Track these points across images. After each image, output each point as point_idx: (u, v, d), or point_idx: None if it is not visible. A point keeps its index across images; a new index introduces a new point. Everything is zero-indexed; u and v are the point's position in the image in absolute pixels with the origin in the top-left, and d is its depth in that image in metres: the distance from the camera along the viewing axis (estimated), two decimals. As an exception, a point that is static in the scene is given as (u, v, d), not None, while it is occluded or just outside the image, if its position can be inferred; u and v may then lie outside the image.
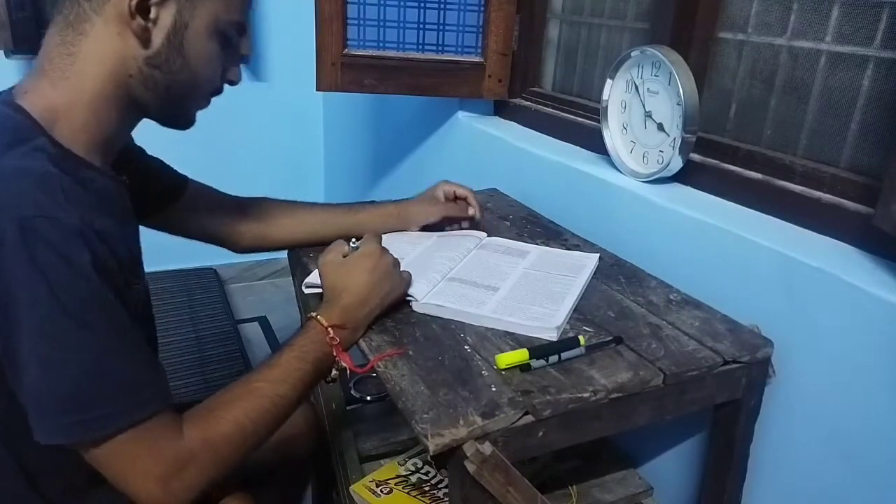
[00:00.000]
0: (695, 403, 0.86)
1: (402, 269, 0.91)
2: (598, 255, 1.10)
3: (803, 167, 0.99)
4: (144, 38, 0.73)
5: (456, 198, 1.19)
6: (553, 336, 0.85)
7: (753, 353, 0.86)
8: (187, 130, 0.84)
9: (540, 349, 0.81)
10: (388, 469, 1.18)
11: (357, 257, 0.88)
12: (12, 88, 0.75)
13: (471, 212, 1.18)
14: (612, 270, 1.07)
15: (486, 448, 0.68)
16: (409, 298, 0.92)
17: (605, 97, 1.23)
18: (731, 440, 0.92)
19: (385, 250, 0.89)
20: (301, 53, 2.18)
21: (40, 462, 0.76)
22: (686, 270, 1.03)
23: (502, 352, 0.81)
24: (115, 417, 0.66)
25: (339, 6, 1.46)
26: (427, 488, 1.13)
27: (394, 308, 0.90)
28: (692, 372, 0.82)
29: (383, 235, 1.13)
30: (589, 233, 1.21)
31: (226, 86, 0.83)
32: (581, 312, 0.93)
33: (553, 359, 0.80)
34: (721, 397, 0.87)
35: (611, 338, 0.85)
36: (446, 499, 1.10)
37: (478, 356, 0.82)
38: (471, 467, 0.68)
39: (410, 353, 0.82)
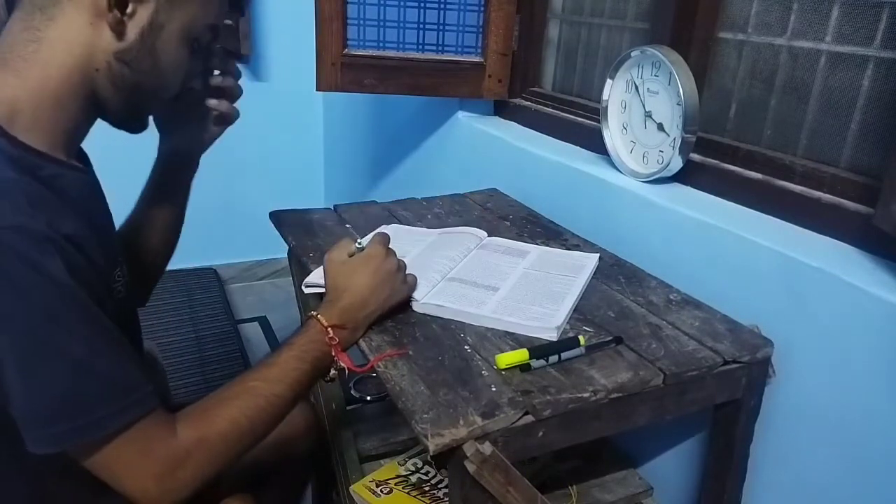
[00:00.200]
0: (695, 403, 0.86)
1: (407, 273, 0.91)
2: (598, 255, 1.10)
3: (803, 167, 0.99)
4: (118, 32, 0.71)
5: None
6: (553, 336, 0.85)
7: (753, 353, 0.86)
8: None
9: (540, 349, 0.81)
10: (388, 469, 1.18)
11: (361, 259, 0.87)
12: None
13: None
14: (612, 270, 1.07)
15: (486, 448, 0.68)
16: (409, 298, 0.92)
17: (605, 97, 1.23)
18: (731, 440, 0.92)
19: (390, 252, 0.89)
20: (301, 53, 2.18)
21: (44, 471, 0.75)
22: (686, 270, 1.03)
23: (502, 352, 0.81)
24: (104, 422, 0.65)
25: (339, 6, 1.46)
26: (427, 488, 1.13)
27: (396, 311, 0.90)
28: (692, 372, 0.82)
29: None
30: (589, 233, 1.21)
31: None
32: (581, 312, 0.93)
33: (553, 359, 0.80)
34: (721, 397, 0.87)
35: (611, 338, 0.85)
36: (446, 499, 1.10)
37: (478, 356, 0.82)
38: (471, 467, 0.68)
39: (410, 353, 0.82)
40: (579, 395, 0.75)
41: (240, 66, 0.94)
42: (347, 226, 1.22)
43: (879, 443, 0.80)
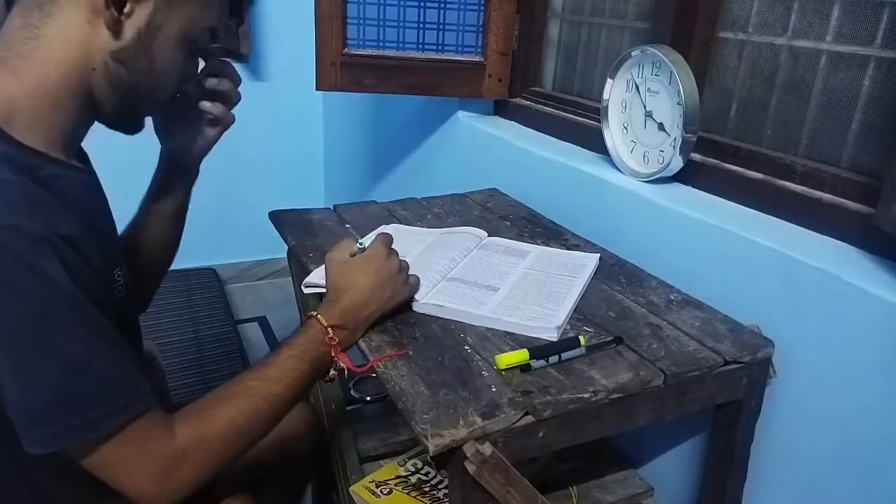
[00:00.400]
0: (695, 404, 0.85)
1: (410, 274, 0.90)
2: (598, 255, 1.09)
3: (804, 167, 0.99)
4: (115, 31, 0.71)
5: None
6: (553, 336, 0.85)
7: (754, 353, 0.86)
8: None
9: (540, 349, 0.81)
10: (388, 469, 1.17)
11: (362, 259, 0.87)
12: None
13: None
14: (613, 270, 1.07)
15: (486, 448, 0.68)
16: (409, 298, 0.92)
17: (605, 97, 1.23)
18: (732, 440, 0.92)
19: (392, 253, 0.88)
20: (301, 53, 2.18)
21: (43, 471, 0.75)
22: (687, 270, 1.03)
23: (502, 352, 0.81)
24: (100, 421, 0.65)
25: (339, 5, 1.46)
26: (427, 489, 1.13)
27: (396, 312, 0.90)
28: (693, 372, 0.82)
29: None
30: (589, 233, 1.21)
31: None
32: (581, 312, 0.93)
33: (553, 359, 0.80)
34: (722, 398, 0.87)
35: (611, 338, 0.85)
36: (446, 499, 1.10)
37: (478, 356, 0.82)
38: (471, 468, 0.68)
39: (410, 353, 0.82)
40: (580, 396, 0.75)
41: (240, 66, 0.93)
42: (347, 226, 1.22)
43: (879, 443, 0.80)
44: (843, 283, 0.82)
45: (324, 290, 0.91)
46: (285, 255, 1.17)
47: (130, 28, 0.72)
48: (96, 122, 0.79)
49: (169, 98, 0.81)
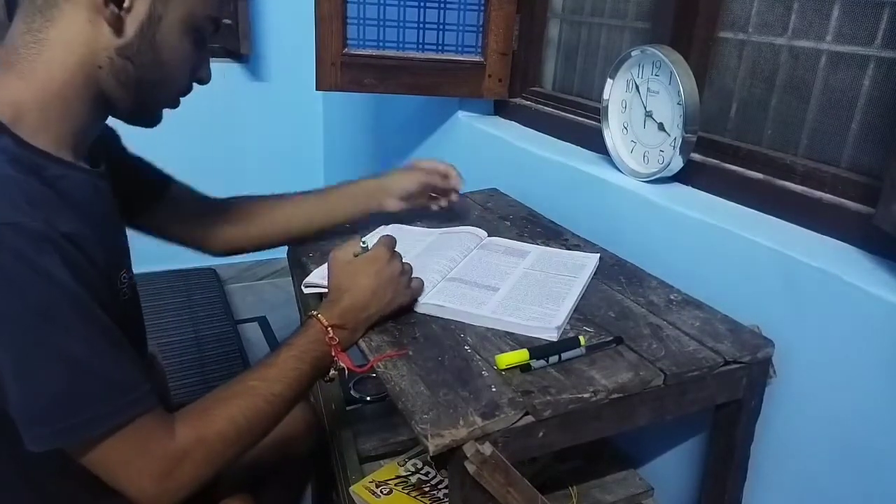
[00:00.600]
0: (695, 404, 0.85)
1: (413, 277, 0.90)
2: (598, 255, 1.09)
3: (804, 167, 0.99)
4: (117, 28, 0.71)
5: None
6: (553, 336, 0.85)
7: (754, 353, 0.86)
8: (154, 128, 0.82)
9: (540, 349, 0.81)
10: (388, 469, 1.17)
11: (364, 260, 0.87)
12: None
13: (452, 182, 1.15)
14: (613, 270, 1.07)
15: (486, 448, 0.68)
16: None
17: (605, 97, 1.23)
18: (732, 440, 0.92)
19: (395, 255, 0.88)
20: (301, 53, 2.19)
21: (44, 470, 0.75)
22: (687, 270, 1.03)
23: (502, 352, 0.80)
24: (101, 420, 0.65)
25: (339, 5, 1.46)
26: (427, 489, 1.13)
27: (398, 314, 0.89)
28: (693, 372, 0.82)
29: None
30: (589, 233, 1.21)
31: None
32: (581, 312, 0.93)
33: (553, 359, 0.80)
34: (722, 398, 0.87)
35: (611, 338, 0.85)
36: (446, 499, 1.10)
37: (478, 356, 0.82)
38: (471, 468, 0.68)
39: (410, 353, 0.82)
40: (580, 396, 0.75)
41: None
42: (347, 225, 1.22)
43: (879, 443, 0.80)
44: (843, 283, 0.82)
45: (324, 291, 0.91)
46: (285, 255, 1.17)
47: (132, 23, 0.72)
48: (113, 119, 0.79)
49: (184, 90, 0.81)
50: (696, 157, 1.13)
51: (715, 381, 0.84)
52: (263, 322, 2.55)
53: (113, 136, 0.92)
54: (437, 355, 0.81)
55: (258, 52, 2.58)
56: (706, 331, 0.89)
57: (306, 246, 1.12)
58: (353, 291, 0.84)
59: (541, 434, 0.74)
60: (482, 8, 1.53)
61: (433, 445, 0.67)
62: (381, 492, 1.12)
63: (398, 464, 1.19)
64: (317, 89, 1.54)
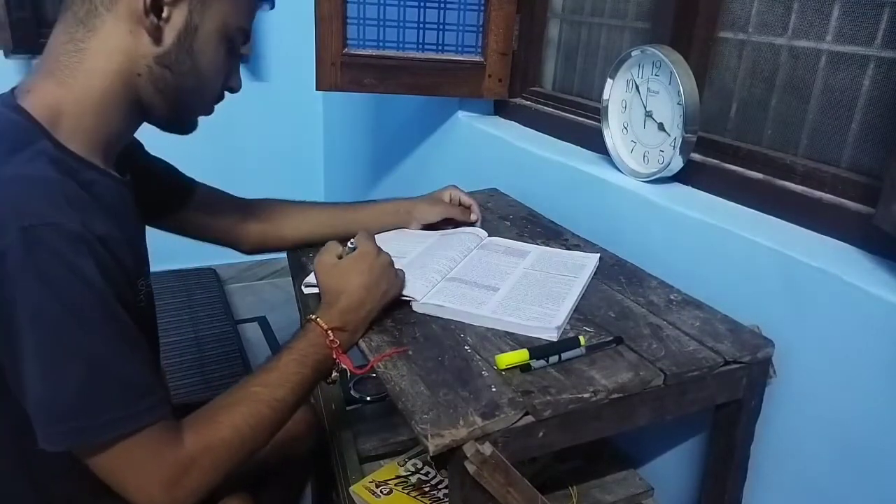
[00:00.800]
0: (695, 404, 0.85)
1: (396, 268, 0.91)
2: (598, 255, 1.09)
3: (804, 167, 0.99)
4: (156, 37, 0.74)
5: (460, 205, 1.20)
6: (553, 336, 0.85)
7: (754, 353, 0.86)
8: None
9: (540, 349, 0.81)
10: (388, 469, 1.17)
11: (353, 259, 0.87)
12: (14, 88, 0.75)
13: (473, 217, 1.19)
14: (613, 270, 1.07)
15: (486, 448, 0.68)
16: (408, 298, 0.92)
17: (605, 97, 1.23)
18: (732, 440, 0.92)
19: (380, 250, 0.89)
20: (301, 53, 2.18)
21: (46, 469, 0.76)
22: (687, 270, 1.03)
23: (502, 352, 0.80)
24: (118, 423, 0.66)
25: (339, 5, 1.46)
26: (427, 489, 1.13)
27: (391, 307, 0.90)
28: (693, 372, 0.82)
29: (386, 234, 1.13)
30: (589, 233, 1.21)
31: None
32: (581, 312, 0.93)
33: (553, 359, 0.80)
34: (722, 398, 0.87)
35: (611, 338, 0.85)
36: (446, 499, 1.10)
37: (478, 356, 0.82)
38: (471, 468, 0.68)
39: (410, 353, 0.82)
40: (580, 396, 0.75)
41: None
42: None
43: (879, 443, 0.80)
44: (843, 283, 0.82)
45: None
46: (285, 255, 1.17)
47: (170, 32, 0.74)
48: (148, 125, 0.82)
49: (217, 97, 0.83)
50: (696, 157, 1.13)
51: (715, 381, 0.84)
52: (263, 322, 2.55)
53: (137, 144, 0.95)
54: (437, 355, 0.81)
55: (258, 52, 2.58)
56: (706, 331, 0.89)
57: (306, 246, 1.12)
58: (348, 291, 0.85)
59: (541, 434, 0.74)
60: (482, 8, 1.53)
61: (433, 445, 0.67)
62: (381, 492, 1.12)
63: (398, 464, 1.19)
64: (317, 89, 1.54)
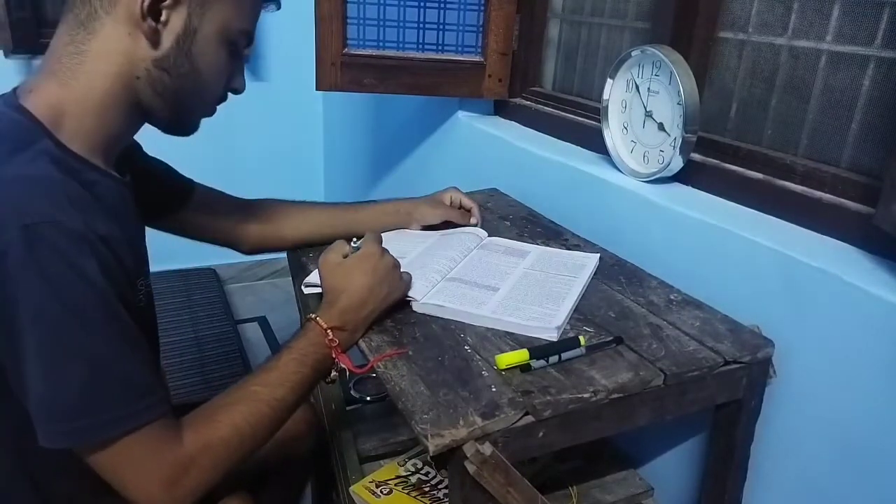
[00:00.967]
0: (695, 404, 0.85)
1: (402, 271, 0.91)
2: (598, 255, 1.09)
3: (804, 167, 0.99)
4: (154, 40, 0.74)
5: (461, 207, 1.20)
6: (553, 336, 0.85)
7: (754, 353, 0.86)
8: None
9: (540, 349, 0.81)
10: (388, 469, 1.17)
11: (357, 258, 0.87)
12: (16, 88, 0.75)
13: (473, 220, 1.19)
14: (613, 270, 1.07)
15: (486, 448, 0.68)
16: (408, 298, 0.92)
17: (605, 97, 1.23)
18: (732, 440, 0.92)
19: (385, 251, 0.89)
20: (301, 53, 2.18)
21: (46, 468, 0.76)
22: (687, 270, 1.03)
23: (502, 352, 0.80)
24: (119, 422, 0.66)
25: (339, 5, 1.46)
26: (427, 489, 1.13)
27: (394, 309, 0.90)
28: (693, 372, 0.81)
29: (386, 234, 1.13)
30: (589, 233, 1.21)
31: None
32: (581, 312, 0.93)
33: (553, 359, 0.80)
34: (722, 398, 0.87)
35: (611, 338, 0.85)
36: (446, 499, 1.10)
37: (478, 356, 0.82)
38: (471, 468, 0.68)
39: (410, 353, 0.82)
40: (580, 396, 0.75)
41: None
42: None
43: (879, 443, 0.80)
44: (843, 283, 0.82)
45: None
46: (285, 255, 1.17)
47: (168, 36, 0.74)
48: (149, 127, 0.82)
49: (219, 99, 0.83)
50: (696, 157, 1.13)
51: (715, 381, 0.84)
52: (263, 322, 2.55)
53: (136, 146, 0.95)
54: (437, 355, 0.81)
55: (258, 51, 2.59)
56: (706, 331, 0.89)
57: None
58: (349, 291, 0.85)
59: (541, 434, 0.74)
60: (482, 8, 1.53)
61: (433, 445, 0.67)
62: (381, 492, 1.12)
63: (398, 464, 1.19)
64: (317, 89, 1.54)
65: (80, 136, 0.73)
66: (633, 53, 1.17)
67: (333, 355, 0.82)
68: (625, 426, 0.82)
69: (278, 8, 0.88)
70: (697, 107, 1.07)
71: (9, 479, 0.76)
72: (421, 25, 1.52)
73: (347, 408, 1.29)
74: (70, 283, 0.63)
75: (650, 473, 1.13)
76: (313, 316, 0.84)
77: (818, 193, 0.96)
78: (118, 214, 0.75)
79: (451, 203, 1.20)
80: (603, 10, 1.43)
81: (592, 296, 0.98)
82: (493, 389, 0.75)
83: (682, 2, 1.15)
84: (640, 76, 1.17)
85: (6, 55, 2.22)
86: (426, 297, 0.92)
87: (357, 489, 1.13)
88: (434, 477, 1.15)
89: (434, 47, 1.54)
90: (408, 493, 1.12)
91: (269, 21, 2.57)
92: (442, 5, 1.51)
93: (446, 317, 0.90)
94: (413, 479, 1.15)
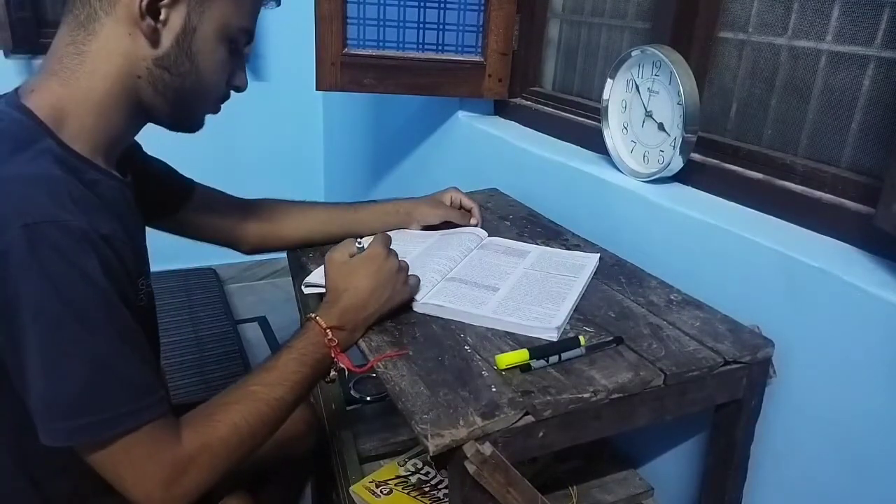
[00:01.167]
0: (695, 404, 0.85)
1: (410, 274, 0.91)
2: (598, 255, 1.09)
3: (804, 167, 0.99)
4: (153, 39, 0.74)
5: (461, 207, 1.20)
6: (553, 336, 0.85)
7: (754, 353, 0.86)
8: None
9: (540, 349, 0.81)
10: (388, 469, 1.17)
11: (361, 259, 0.87)
12: (18, 88, 0.75)
13: (473, 221, 1.19)
14: (613, 270, 1.07)
15: (486, 448, 0.68)
16: (408, 299, 0.92)
17: (605, 97, 1.23)
18: (732, 440, 0.92)
19: (391, 254, 0.88)
20: (301, 53, 2.18)
21: (45, 467, 0.76)
22: (687, 270, 1.03)
23: (502, 352, 0.80)
24: (118, 420, 0.66)
25: (339, 5, 1.46)
26: (427, 489, 1.13)
27: (396, 312, 0.90)
28: (693, 372, 0.82)
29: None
30: (589, 233, 1.21)
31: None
32: (581, 312, 0.93)
33: (553, 359, 0.80)
34: (722, 398, 0.87)
35: (611, 338, 0.85)
36: (446, 499, 1.10)
37: (478, 356, 0.82)
38: (471, 468, 0.68)
39: (410, 353, 0.82)
40: (580, 396, 0.75)
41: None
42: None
43: (879, 443, 0.80)
44: (843, 283, 0.82)
45: (324, 291, 0.90)
46: (285, 255, 1.17)
47: (168, 35, 0.74)
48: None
49: (222, 97, 0.84)
50: (696, 157, 1.13)
51: (715, 381, 0.84)
52: (263, 322, 2.55)
53: (136, 146, 0.95)
54: (437, 355, 0.81)
55: (258, 51, 2.58)
56: (706, 331, 0.89)
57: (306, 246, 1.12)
58: (350, 292, 0.85)
59: (541, 434, 0.74)
60: (482, 8, 1.53)
61: (433, 445, 0.67)
62: (381, 492, 1.12)
63: (398, 464, 1.19)
64: (317, 89, 1.54)
65: (81, 135, 0.73)
66: (633, 53, 1.17)
67: (332, 355, 0.82)
68: (625, 426, 0.82)
69: (278, 4, 0.88)
70: (697, 107, 1.07)
71: (9, 479, 0.76)
72: (421, 25, 1.52)
73: (347, 408, 1.29)
74: (72, 282, 0.64)
75: (650, 473, 1.13)
76: (313, 315, 0.83)
77: (818, 193, 0.96)
78: (119, 214, 0.75)
79: (451, 203, 1.19)
80: (603, 10, 1.43)
81: (592, 296, 0.98)
82: (493, 389, 0.75)
83: (682, 2, 1.15)
84: (640, 76, 1.17)
85: (6, 55, 2.22)
86: (426, 297, 0.92)
87: (357, 489, 1.13)
88: (434, 477, 1.15)
89: (434, 47, 1.54)
90: (408, 494, 1.12)
91: (269, 21, 2.57)
92: (442, 5, 1.51)
93: (446, 317, 0.90)
94: (413, 479, 1.15)
